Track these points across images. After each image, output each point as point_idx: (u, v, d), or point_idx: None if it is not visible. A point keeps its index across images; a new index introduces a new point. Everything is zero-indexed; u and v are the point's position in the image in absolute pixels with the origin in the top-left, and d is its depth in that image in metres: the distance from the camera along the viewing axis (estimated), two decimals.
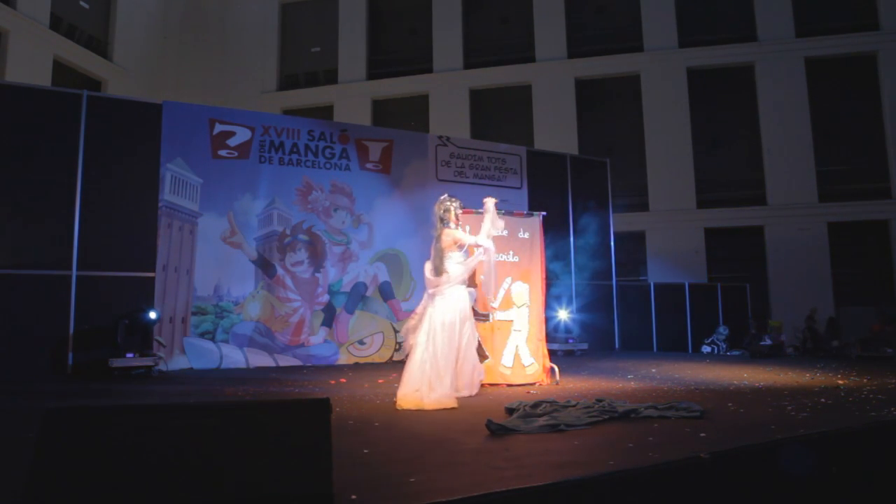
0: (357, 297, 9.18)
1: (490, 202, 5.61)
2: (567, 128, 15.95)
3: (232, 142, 8.61)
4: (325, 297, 8.95)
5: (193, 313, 8.09)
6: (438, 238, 5.28)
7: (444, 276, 5.10)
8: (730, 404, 4.64)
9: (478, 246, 5.34)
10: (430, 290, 5.16)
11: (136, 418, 2.13)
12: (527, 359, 6.25)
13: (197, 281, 8.16)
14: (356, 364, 8.81)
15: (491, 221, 5.49)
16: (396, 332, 9.37)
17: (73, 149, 7.47)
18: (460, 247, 5.27)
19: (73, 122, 7.51)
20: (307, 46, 18.12)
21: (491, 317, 6.25)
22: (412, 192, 9.70)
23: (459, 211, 5.43)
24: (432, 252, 5.30)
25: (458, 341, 5.06)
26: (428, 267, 5.26)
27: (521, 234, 6.53)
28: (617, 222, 12.68)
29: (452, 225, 5.31)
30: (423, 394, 4.68)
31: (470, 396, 5.19)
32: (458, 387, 5.06)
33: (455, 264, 5.16)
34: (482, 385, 5.62)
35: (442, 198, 5.47)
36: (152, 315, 7.23)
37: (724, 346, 11.60)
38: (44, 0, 13.63)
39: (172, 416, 2.15)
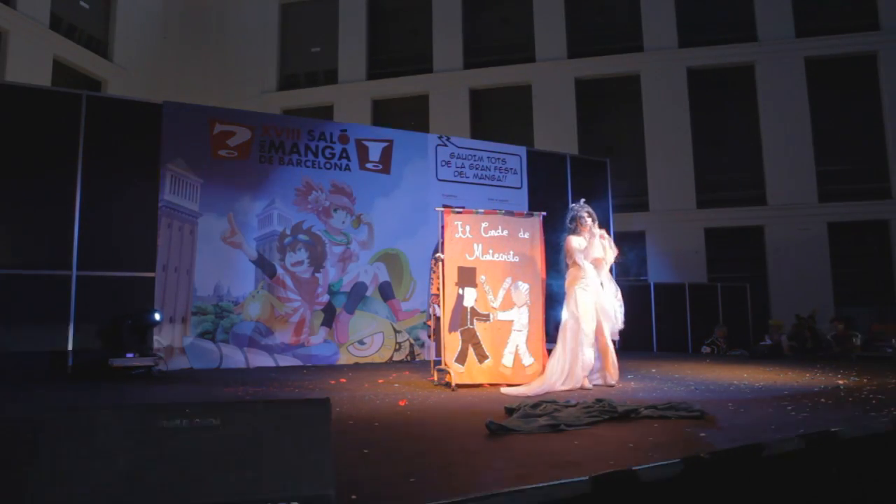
0: (357, 297, 9.18)
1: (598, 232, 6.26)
2: (567, 128, 15.95)
3: (232, 142, 8.61)
4: (325, 297, 8.95)
5: (193, 313, 8.09)
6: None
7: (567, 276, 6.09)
8: (730, 404, 4.64)
9: (576, 264, 6.12)
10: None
11: (135, 418, 2.13)
12: (527, 359, 6.25)
13: (197, 281, 8.16)
14: (356, 364, 8.81)
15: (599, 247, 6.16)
16: (396, 332, 9.38)
17: (73, 149, 7.47)
18: (573, 254, 6.12)
19: (73, 122, 7.50)
20: (307, 46, 18.12)
21: (491, 317, 6.26)
22: (412, 192, 9.70)
23: (588, 220, 6.13)
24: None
25: (573, 341, 5.86)
26: None
27: (521, 235, 6.53)
28: (617, 222, 12.67)
29: (580, 232, 6.09)
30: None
31: (570, 389, 5.65)
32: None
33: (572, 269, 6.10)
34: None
35: (573, 205, 6.23)
36: (156, 317, 7.26)
37: (724, 346, 11.59)
38: (44, 0, 13.63)
39: (172, 416, 2.14)
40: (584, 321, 6.00)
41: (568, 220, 6.28)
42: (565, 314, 6.10)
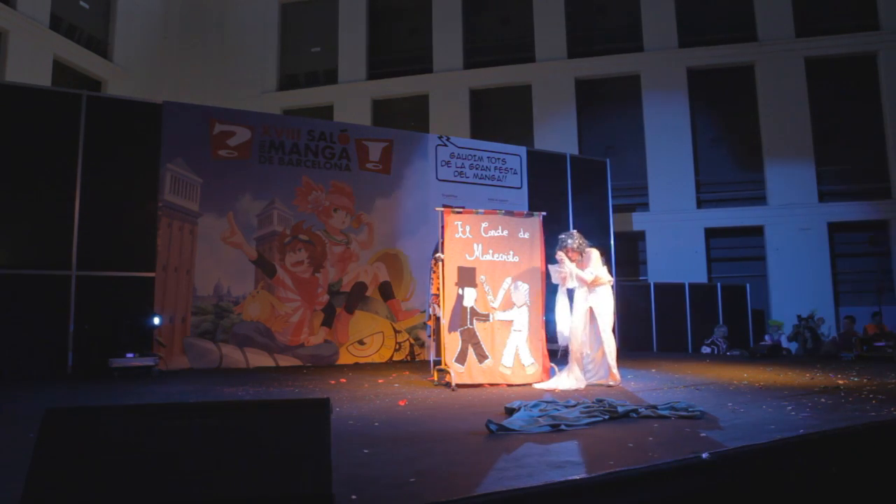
0: (357, 297, 9.18)
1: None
2: (567, 128, 15.94)
3: (232, 142, 8.61)
4: (325, 297, 8.95)
5: (193, 313, 8.09)
6: None
7: None
8: (730, 404, 4.64)
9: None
10: None
11: (136, 418, 2.13)
12: (527, 359, 6.26)
13: (197, 281, 8.16)
14: (356, 364, 8.81)
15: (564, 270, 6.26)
16: (396, 332, 9.38)
17: (73, 149, 7.47)
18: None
19: (73, 122, 7.51)
20: (307, 46, 18.11)
21: (491, 317, 6.26)
22: (412, 192, 9.70)
23: (563, 246, 6.25)
24: None
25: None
26: None
27: (521, 235, 6.53)
28: (617, 222, 12.67)
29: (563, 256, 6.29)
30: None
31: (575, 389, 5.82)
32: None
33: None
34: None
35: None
36: (156, 321, 7.30)
37: (724, 345, 11.60)
38: (44, 0, 13.62)
39: (172, 416, 2.14)
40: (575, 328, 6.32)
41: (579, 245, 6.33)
42: None
